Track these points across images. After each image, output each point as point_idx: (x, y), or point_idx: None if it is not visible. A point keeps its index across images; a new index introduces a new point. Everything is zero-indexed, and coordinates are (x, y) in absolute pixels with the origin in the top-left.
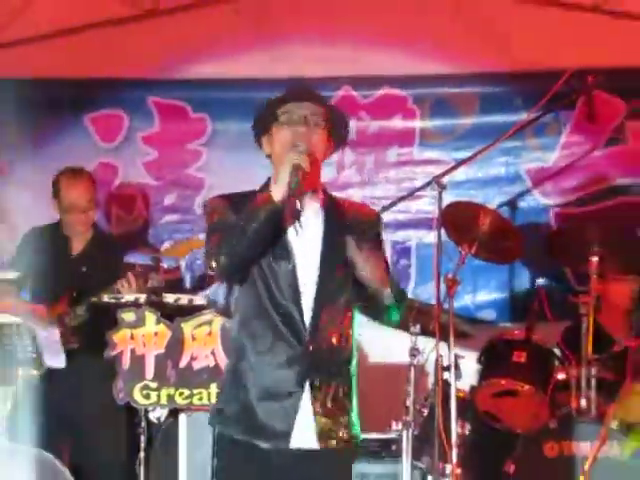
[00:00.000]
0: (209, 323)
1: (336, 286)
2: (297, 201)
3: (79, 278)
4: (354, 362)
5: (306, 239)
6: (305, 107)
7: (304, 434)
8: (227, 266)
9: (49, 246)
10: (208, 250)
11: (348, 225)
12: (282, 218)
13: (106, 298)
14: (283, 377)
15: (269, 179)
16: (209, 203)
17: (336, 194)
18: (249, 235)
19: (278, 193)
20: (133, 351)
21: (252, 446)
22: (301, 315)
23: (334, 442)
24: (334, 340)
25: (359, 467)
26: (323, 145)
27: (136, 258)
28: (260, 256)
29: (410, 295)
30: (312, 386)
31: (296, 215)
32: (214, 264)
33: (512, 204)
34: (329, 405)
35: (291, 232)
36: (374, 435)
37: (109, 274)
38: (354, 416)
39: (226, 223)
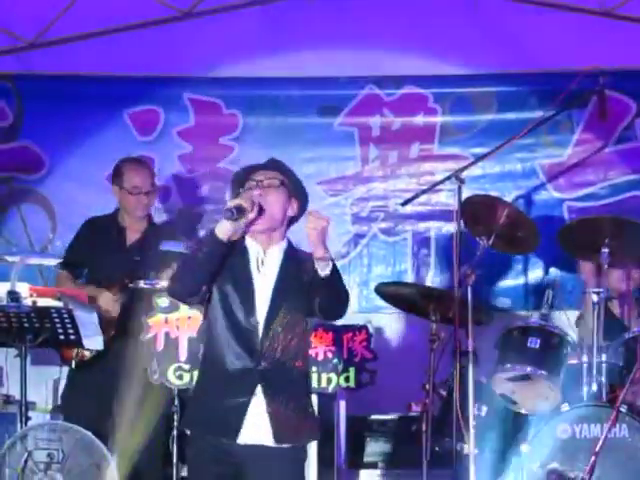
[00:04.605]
0: None
1: (291, 314)
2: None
3: (132, 267)
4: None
5: (266, 276)
6: (261, 174)
7: (256, 431)
8: (175, 288)
9: (106, 236)
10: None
11: (303, 260)
12: (228, 251)
13: (142, 284)
14: (237, 386)
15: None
16: None
17: (360, 187)
18: (196, 263)
19: (220, 231)
20: (167, 334)
21: (216, 444)
22: (256, 336)
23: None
24: (288, 358)
25: (380, 447)
26: (279, 202)
27: (170, 246)
28: (210, 282)
29: (429, 283)
30: (264, 393)
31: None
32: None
33: (527, 198)
34: (283, 410)
35: (254, 267)
36: (395, 416)
37: (161, 264)
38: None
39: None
